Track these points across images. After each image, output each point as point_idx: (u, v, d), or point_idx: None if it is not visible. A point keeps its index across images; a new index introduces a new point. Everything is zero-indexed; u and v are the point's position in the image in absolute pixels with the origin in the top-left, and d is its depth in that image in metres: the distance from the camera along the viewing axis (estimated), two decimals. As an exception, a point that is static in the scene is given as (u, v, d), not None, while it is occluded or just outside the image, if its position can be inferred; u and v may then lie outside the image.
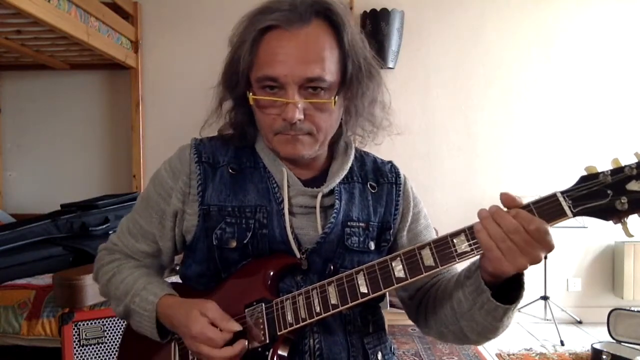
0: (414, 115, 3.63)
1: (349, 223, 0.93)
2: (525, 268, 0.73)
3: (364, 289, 0.81)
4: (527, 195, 3.54)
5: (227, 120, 0.99)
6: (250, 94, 0.89)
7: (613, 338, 2.75)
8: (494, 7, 3.67)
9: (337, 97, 0.89)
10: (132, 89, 3.61)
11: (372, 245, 0.95)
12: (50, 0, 2.33)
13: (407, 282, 0.79)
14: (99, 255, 1.07)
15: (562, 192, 0.73)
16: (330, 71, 0.87)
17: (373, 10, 3.52)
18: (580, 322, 3.57)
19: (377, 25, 3.45)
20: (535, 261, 0.73)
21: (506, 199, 0.75)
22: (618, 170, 0.71)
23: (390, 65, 3.51)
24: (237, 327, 0.85)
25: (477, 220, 0.75)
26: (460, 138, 3.70)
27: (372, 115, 0.98)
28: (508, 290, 0.80)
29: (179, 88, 3.62)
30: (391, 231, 0.99)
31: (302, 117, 0.87)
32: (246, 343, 0.85)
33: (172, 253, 1.02)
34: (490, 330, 0.83)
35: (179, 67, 3.64)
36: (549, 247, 0.72)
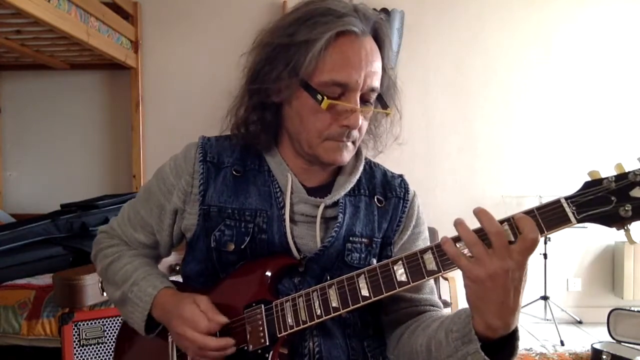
0: (414, 116, 3.62)
1: (351, 238, 0.92)
2: (495, 276, 0.69)
3: (365, 292, 0.80)
4: (528, 195, 3.57)
5: (242, 121, 0.95)
6: (322, 97, 0.84)
7: (613, 338, 2.75)
8: (494, 7, 3.67)
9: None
10: (132, 89, 3.60)
11: (374, 262, 0.92)
12: (50, 0, 2.33)
13: (409, 286, 0.78)
14: (98, 237, 1.08)
15: (567, 198, 0.72)
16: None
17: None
18: (580, 322, 3.57)
19: (377, 25, 3.44)
20: (503, 270, 0.68)
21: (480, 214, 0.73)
22: (622, 177, 0.70)
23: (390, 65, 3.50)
24: (224, 319, 0.86)
25: (478, 222, 0.74)
26: (460, 138, 3.70)
27: (380, 128, 0.99)
28: (496, 349, 0.74)
29: (179, 88, 3.62)
30: (391, 247, 0.97)
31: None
32: (233, 342, 0.85)
33: (169, 246, 1.03)
34: None
35: (179, 67, 3.64)
36: (523, 264, 0.69)
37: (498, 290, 0.70)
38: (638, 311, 2.72)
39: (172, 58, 3.65)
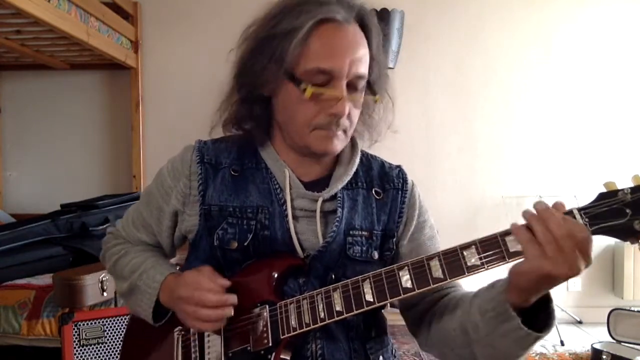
0: (413, 115, 3.62)
1: (351, 232, 0.91)
2: (563, 274, 0.68)
3: (369, 297, 0.80)
4: (528, 195, 3.57)
5: (232, 116, 0.95)
6: (306, 86, 0.83)
7: (613, 338, 2.75)
8: (494, 7, 3.67)
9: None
10: (132, 89, 3.60)
11: (376, 255, 0.93)
12: (50, 0, 2.33)
13: (414, 293, 0.78)
14: (106, 238, 1.11)
15: (580, 209, 0.70)
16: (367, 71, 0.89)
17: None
18: (580, 322, 3.56)
19: (377, 25, 3.45)
20: (574, 272, 0.68)
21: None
22: (639, 189, 0.68)
23: (390, 65, 3.50)
24: (226, 282, 0.87)
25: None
26: (460, 138, 3.70)
27: (374, 117, 0.99)
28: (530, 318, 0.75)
29: (179, 88, 3.62)
30: (394, 239, 0.96)
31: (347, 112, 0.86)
32: (235, 299, 0.86)
33: (171, 247, 1.05)
34: (511, 357, 0.77)
35: (179, 67, 3.64)
36: (588, 261, 0.69)
37: (556, 282, 0.70)
38: (638, 311, 2.72)
39: (172, 58, 3.65)
